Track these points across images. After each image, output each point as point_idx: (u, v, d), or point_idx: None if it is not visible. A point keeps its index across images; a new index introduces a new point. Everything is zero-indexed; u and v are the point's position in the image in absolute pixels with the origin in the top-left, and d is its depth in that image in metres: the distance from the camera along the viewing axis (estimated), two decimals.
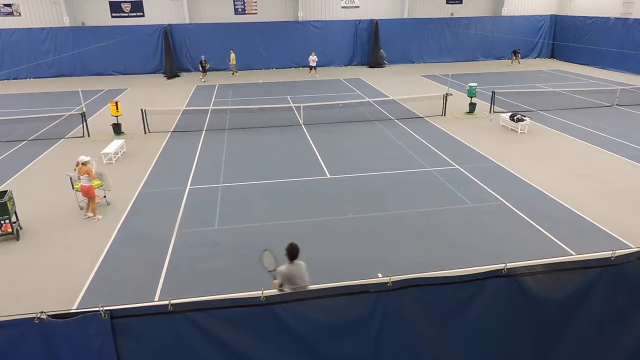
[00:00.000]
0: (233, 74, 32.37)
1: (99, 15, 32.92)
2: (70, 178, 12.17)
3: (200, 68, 30.42)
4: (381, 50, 35.14)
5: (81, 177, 11.27)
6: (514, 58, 35.23)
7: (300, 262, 6.73)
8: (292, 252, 6.64)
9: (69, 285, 8.84)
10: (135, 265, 9.43)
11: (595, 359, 5.26)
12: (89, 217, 11.50)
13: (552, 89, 25.09)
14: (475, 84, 20.74)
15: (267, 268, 6.67)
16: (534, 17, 37.48)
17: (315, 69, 31.44)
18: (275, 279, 6.68)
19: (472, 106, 20.73)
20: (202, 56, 30.69)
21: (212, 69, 32.39)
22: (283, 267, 6.62)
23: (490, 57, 37.74)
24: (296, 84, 29.20)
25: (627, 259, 4.99)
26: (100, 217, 11.52)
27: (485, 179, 13.40)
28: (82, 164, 11.27)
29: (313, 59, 31.22)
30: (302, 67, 34.66)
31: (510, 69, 33.35)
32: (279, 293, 4.50)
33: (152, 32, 32.76)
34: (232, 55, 31.90)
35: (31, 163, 15.59)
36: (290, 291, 6.50)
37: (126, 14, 33.10)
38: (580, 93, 24.13)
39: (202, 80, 30.14)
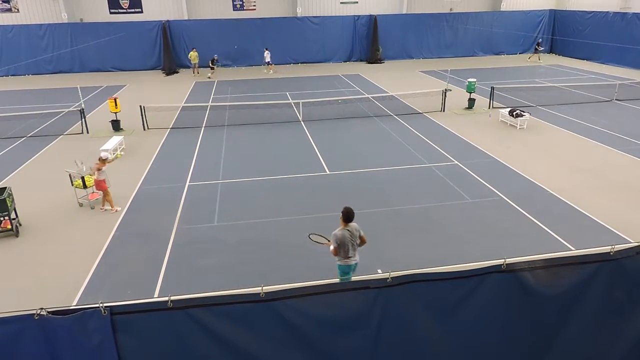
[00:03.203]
0: (195, 73, 31.10)
1: (98, 11, 32.80)
2: (70, 174, 12.15)
3: (210, 64, 30.45)
4: (379, 48, 35.12)
5: (94, 173, 11.42)
6: (537, 50, 34.62)
7: (352, 224, 7.40)
8: (347, 215, 7.29)
9: (68, 281, 8.85)
10: (134, 262, 9.44)
11: (594, 353, 5.28)
12: (106, 209, 11.68)
13: (551, 84, 25.06)
14: (474, 80, 20.72)
15: (322, 242, 7.61)
16: (533, 12, 37.40)
17: (270, 64, 31.36)
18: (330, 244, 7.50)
19: (471, 102, 20.71)
20: (215, 55, 30.94)
21: (207, 66, 32.28)
22: (337, 231, 7.37)
23: (490, 53, 37.68)
24: (295, 80, 29.15)
25: (626, 254, 4.99)
26: (119, 208, 11.74)
27: (484, 174, 13.40)
28: (103, 160, 11.55)
29: (267, 54, 31.16)
30: (302, 62, 34.60)
31: (512, 64, 33.29)
32: (279, 290, 4.49)
33: (151, 28, 32.65)
34: (193, 54, 30.86)
35: (30, 159, 15.57)
36: (343, 254, 7.37)
37: (124, 10, 32.98)
38: (579, 88, 24.11)
39: (208, 76, 30.26)
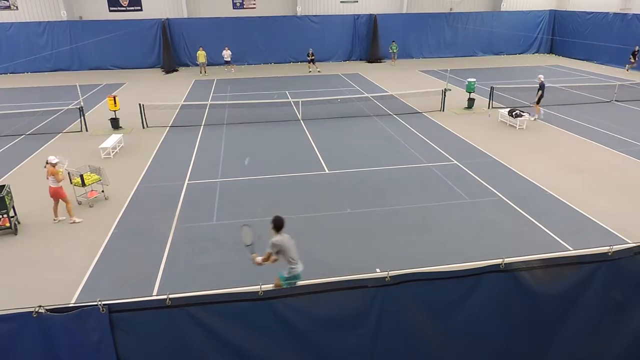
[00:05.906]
0: (202, 72, 30.84)
1: (97, 9, 32.76)
2: (69, 173, 12.14)
3: (309, 59, 31.10)
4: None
5: (48, 178, 10.75)
6: (632, 61, 29.17)
7: (286, 235, 7.00)
8: (277, 223, 6.89)
9: (67, 279, 8.84)
10: (133, 260, 9.43)
11: (592, 352, 5.29)
12: (61, 219, 11.03)
13: (550, 85, 25.07)
14: (474, 80, 20.72)
15: (245, 243, 7.04)
16: (533, 12, 37.43)
17: (231, 64, 31.46)
18: (253, 253, 6.97)
19: (471, 102, 20.71)
20: (310, 49, 31.33)
21: (209, 64, 32.28)
22: (278, 237, 6.89)
23: (489, 53, 37.71)
24: (295, 79, 29.14)
25: (624, 255, 5.01)
26: (78, 220, 11.04)
27: (483, 174, 13.41)
28: (51, 164, 10.70)
29: (227, 53, 31.27)
30: (301, 62, 34.55)
31: (512, 65, 33.31)
32: (277, 288, 4.50)
33: (150, 26, 32.60)
34: (200, 53, 30.65)
35: (29, 157, 15.55)
36: (286, 261, 6.96)
37: (124, 8, 32.95)
38: (578, 89, 24.13)
39: (310, 71, 31.09)
